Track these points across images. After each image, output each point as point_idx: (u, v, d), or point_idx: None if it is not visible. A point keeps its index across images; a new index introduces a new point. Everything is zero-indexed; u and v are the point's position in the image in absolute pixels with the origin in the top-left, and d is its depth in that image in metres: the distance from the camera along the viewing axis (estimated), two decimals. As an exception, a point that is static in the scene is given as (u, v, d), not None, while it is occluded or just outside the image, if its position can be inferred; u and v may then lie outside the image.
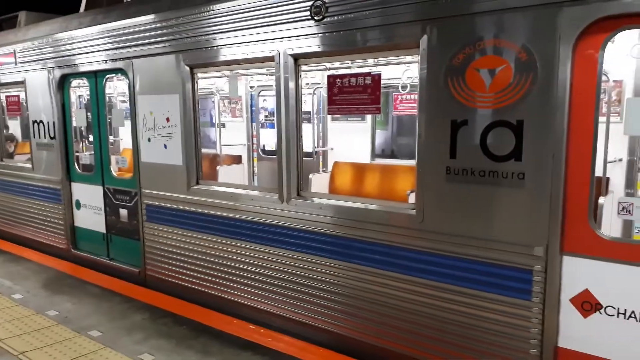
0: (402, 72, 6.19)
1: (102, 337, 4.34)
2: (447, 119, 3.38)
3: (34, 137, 7.21)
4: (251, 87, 8.78)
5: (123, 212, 6.18)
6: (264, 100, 9.24)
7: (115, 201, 6.26)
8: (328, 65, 5.50)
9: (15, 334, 4.39)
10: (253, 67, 5.08)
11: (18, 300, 5.24)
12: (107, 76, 6.18)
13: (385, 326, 3.90)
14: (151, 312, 4.89)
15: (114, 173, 6.31)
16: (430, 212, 3.56)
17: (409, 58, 5.02)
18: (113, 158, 6.43)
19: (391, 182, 6.77)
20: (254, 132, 9.25)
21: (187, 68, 5.06)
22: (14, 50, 7.31)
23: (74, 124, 6.80)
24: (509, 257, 3.26)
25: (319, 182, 7.16)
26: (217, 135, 8.89)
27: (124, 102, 9.00)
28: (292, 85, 4.31)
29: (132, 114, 5.70)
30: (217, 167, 7.88)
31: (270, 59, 4.40)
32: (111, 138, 8.18)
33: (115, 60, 5.80)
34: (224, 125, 9.13)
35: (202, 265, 5.18)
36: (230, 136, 8.91)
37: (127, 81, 5.74)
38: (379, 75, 3.96)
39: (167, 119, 5.33)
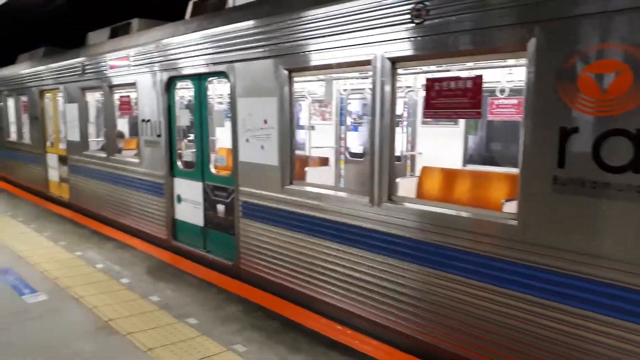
0: (501, 75, 5.96)
1: (199, 326, 4.61)
2: (555, 126, 3.21)
3: (142, 135, 7.81)
4: (343, 91, 8.88)
5: (220, 207, 6.51)
6: (349, 103, 9.32)
7: (213, 197, 6.62)
8: (424, 68, 5.42)
9: (124, 315, 4.78)
10: (349, 70, 5.12)
11: (125, 284, 5.70)
12: (210, 79, 6.55)
13: (473, 337, 3.78)
14: (245, 305, 5.11)
15: (213, 171, 6.66)
16: (534, 223, 3.39)
17: (510, 61, 4.82)
18: (212, 156, 6.80)
19: (483, 189, 6.53)
20: (342, 135, 9.34)
21: (285, 72, 5.24)
22: (128, 54, 7.98)
23: (178, 123, 7.28)
24: (621, 276, 3.02)
25: (406, 187, 7.07)
26: (306, 138, 9.09)
27: (220, 104, 9.47)
28: (387, 88, 4.31)
29: (233, 116, 5.99)
30: (306, 169, 8.07)
31: (367, 62, 4.43)
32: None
33: (218, 64, 6.13)
34: (313, 128, 9.32)
35: (293, 263, 5.33)
36: (318, 139, 9.08)
37: (229, 84, 6.05)
38: (480, 78, 3.85)
39: (265, 121, 5.54)
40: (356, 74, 7.18)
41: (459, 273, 3.85)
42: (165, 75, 7.15)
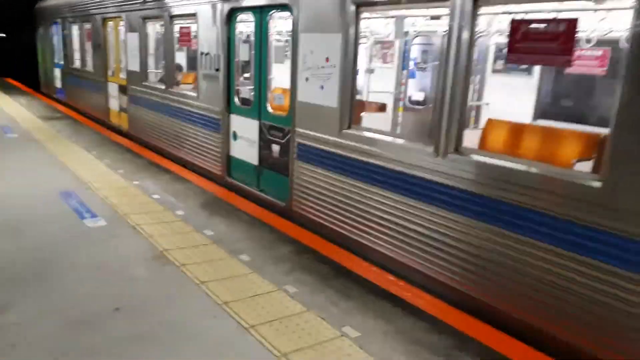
0: (590, 22, 5.37)
1: (251, 263, 4.63)
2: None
3: (201, 68, 7.72)
4: (408, 32, 8.37)
5: (275, 147, 6.42)
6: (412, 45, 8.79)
7: (269, 136, 6.52)
8: (505, 9, 4.94)
9: (179, 247, 4.87)
10: (421, 7, 4.73)
11: (180, 216, 5.80)
12: (272, 12, 6.27)
13: (535, 302, 3.58)
14: (296, 246, 5.09)
15: (270, 110, 6.52)
16: (625, 187, 3.07)
17: (610, 3, 4.29)
18: (270, 95, 6.64)
19: (553, 147, 6.09)
20: (403, 80, 8.91)
21: (353, 7, 4.90)
22: (190, -16, 7.76)
23: (237, 58, 7.11)
24: None
25: (467, 139, 6.69)
26: (364, 81, 8.73)
27: (279, 42, 9.19)
28: (465, 30, 3.93)
29: (293, 53, 5.75)
30: (362, 114, 7.79)
31: (445, -1, 4.04)
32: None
33: (282, -4, 5.84)
34: (372, 71, 8.92)
35: (346, 209, 5.21)
36: (376, 83, 8.70)
37: (291, 18, 5.77)
38: (575, 22, 3.42)
39: (327, 59, 5.28)
40: (424, 14, 6.74)
41: (530, 235, 3.61)
42: (226, 7, 6.92)
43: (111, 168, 7.79)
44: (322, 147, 5.47)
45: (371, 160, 4.88)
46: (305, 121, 5.71)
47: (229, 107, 7.25)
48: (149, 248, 4.81)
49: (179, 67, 10.62)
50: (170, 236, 5.12)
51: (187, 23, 8.45)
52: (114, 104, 11.57)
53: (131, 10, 9.91)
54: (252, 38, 7.35)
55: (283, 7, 5.99)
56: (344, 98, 5.15)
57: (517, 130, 6.55)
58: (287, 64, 7.56)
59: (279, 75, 8.52)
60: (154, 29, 10.07)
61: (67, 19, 14.37)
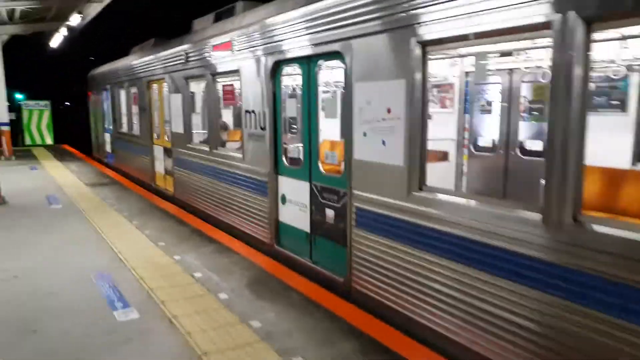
0: None
1: (308, 368, 3.68)
2: None
3: (246, 127, 7.09)
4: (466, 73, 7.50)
5: (329, 212, 5.56)
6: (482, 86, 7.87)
7: (322, 200, 5.68)
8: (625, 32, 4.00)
9: (221, 349, 3.99)
10: (510, 40, 3.86)
11: (224, 301, 4.96)
12: (321, 62, 5.58)
13: None
14: (360, 342, 4.10)
15: (322, 169, 5.71)
16: None
17: None
18: (322, 153, 5.87)
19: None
20: (466, 125, 7.94)
21: (419, 47, 4.09)
22: (231, 39, 7.28)
23: (285, 114, 6.43)
24: None
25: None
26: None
27: (326, 92, 8.55)
28: (578, 61, 3.00)
29: (346, 104, 4.98)
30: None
31: (544, 26, 3.15)
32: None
33: (331, 42, 5.14)
34: (430, 117, 8.00)
35: (422, 291, 4.21)
36: (435, 129, 7.75)
37: (344, 66, 5.04)
38: None
39: (389, 110, 4.45)
40: (501, 49, 5.85)
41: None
42: (270, 60, 6.32)
43: (152, 240, 7.15)
44: (387, 212, 4.56)
45: (451, 230, 3.91)
46: (365, 182, 4.84)
47: (277, 168, 6.51)
48: (185, 351, 3.95)
49: (224, 126, 10.13)
50: (211, 331, 4.26)
51: (230, 80, 7.97)
52: (160, 167, 11.19)
53: (173, 71, 9.61)
54: (299, 92, 6.72)
55: (334, 56, 5.28)
56: (412, 155, 4.27)
57: (614, 177, 5.43)
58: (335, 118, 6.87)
59: (331, 131, 7.82)
60: (198, 88, 9.72)
61: (115, 84, 14.49)
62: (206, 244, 7.00)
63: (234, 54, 7.22)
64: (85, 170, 15.08)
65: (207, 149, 8.50)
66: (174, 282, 5.46)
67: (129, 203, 9.91)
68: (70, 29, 15.59)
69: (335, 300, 5.02)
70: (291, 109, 6.34)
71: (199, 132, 9.82)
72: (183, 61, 9.07)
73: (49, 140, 23.43)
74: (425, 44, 4.06)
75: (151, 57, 10.96)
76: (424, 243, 4.19)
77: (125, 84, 13.38)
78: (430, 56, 4.19)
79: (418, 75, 4.15)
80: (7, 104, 17.93)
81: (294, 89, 8.66)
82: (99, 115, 17.35)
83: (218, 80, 8.19)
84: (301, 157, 6.11)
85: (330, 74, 7.66)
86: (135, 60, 12.29)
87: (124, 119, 14.14)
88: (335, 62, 5.74)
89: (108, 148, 16.40)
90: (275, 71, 6.34)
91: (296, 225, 6.22)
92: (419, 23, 4.03)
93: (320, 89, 7.25)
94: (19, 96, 28.08)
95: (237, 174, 7.45)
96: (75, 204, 9.66)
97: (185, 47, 9.00)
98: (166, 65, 9.99)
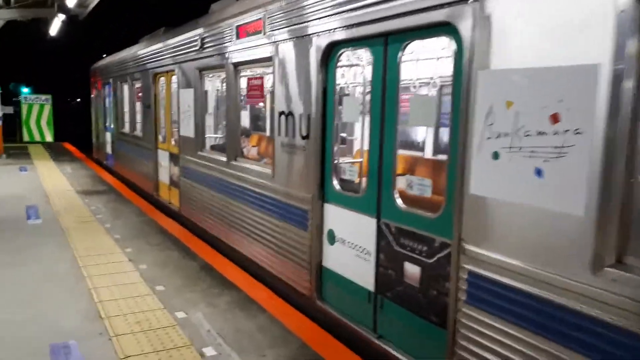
0: None
1: None
2: None
3: (279, 135, 5.25)
4: None
5: (412, 269, 3.69)
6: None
7: (398, 247, 3.81)
8: None
9: None
10: None
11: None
12: (410, 41, 3.71)
13: None
14: None
15: (399, 201, 3.84)
16: None
17: None
18: (403, 178, 4.01)
19: None
20: None
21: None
22: (263, 17, 5.45)
23: (340, 118, 4.58)
24: None
25: None
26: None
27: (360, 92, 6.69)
28: None
29: (459, 106, 3.12)
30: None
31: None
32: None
33: (433, 8, 3.28)
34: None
35: None
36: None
37: (454, 47, 3.19)
38: None
39: (554, 118, 2.58)
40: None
41: None
42: (322, 41, 4.48)
43: (148, 281, 5.31)
44: (539, 293, 2.68)
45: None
46: (490, 234, 2.97)
47: (323, 192, 4.67)
48: None
49: (246, 133, 8.27)
50: None
51: (258, 72, 6.15)
52: (164, 176, 9.36)
53: (185, 61, 7.80)
54: (360, 88, 4.91)
55: (433, 30, 3.42)
56: (605, 197, 2.39)
57: None
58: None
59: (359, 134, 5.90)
60: (213, 83, 7.92)
61: (117, 77, 12.72)
62: (221, 291, 5.13)
63: (266, 36, 5.39)
64: (81, 173, 13.29)
65: (223, 159, 6.66)
66: (174, 365, 3.61)
67: (125, 219, 8.08)
68: (70, 15, 13.86)
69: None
70: (351, 111, 4.47)
71: (213, 136, 8.00)
72: (197, 49, 7.25)
73: (49, 138, 21.66)
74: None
75: (159, 45, 9.16)
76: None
77: (128, 77, 11.59)
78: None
79: (616, 55, 2.29)
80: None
81: (348, 85, 6.68)
82: (100, 112, 15.60)
83: (241, 72, 6.37)
84: (363, 179, 4.26)
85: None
86: (141, 50, 10.51)
87: (126, 117, 12.34)
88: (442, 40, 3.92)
89: (108, 149, 14.62)
90: (328, 58, 4.50)
91: (351, 278, 4.36)
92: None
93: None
94: (25, 90, 26.45)
95: (264, 195, 5.59)
96: (59, 220, 7.84)
97: (200, 30, 7.19)
98: (176, 54, 8.18)
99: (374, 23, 3.86)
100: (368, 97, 4.12)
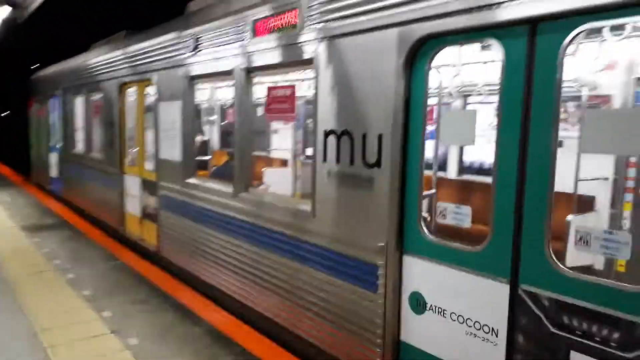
0: None
1: None
2: None
3: (323, 162, 3.94)
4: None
5: (590, 366, 2.48)
6: None
7: (555, 329, 2.60)
8: None
9: None
10: None
11: None
12: (581, 29, 2.54)
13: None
14: None
15: (555, 261, 2.63)
16: None
17: None
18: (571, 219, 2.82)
19: None
20: None
21: None
22: (299, 7, 4.16)
23: (441, 142, 3.34)
24: None
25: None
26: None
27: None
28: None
29: None
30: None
31: None
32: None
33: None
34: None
35: None
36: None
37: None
38: None
39: None
40: None
41: None
42: (407, 32, 3.25)
43: (145, 365, 3.80)
44: None
45: None
46: None
47: (402, 241, 3.41)
48: None
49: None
50: None
51: (285, 79, 4.84)
52: (133, 206, 7.73)
53: (168, 67, 6.32)
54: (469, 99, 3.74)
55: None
56: None
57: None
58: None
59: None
60: (206, 93, 6.50)
61: (68, 88, 10.88)
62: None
63: (305, 30, 4.10)
64: (21, 202, 11.26)
65: (228, 190, 5.24)
66: None
67: (91, 266, 6.40)
68: (15, 5, 11.85)
69: None
70: (466, 129, 3.20)
71: (204, 160, 6.55)
72: (189, 52, 5.82)
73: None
74: None
75: (130, 49, 7.60)
76: None
77: (83, 88, 9.84)
78: None
79: None
80: None
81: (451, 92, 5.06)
82: (43, 130, 13.52)
83: (258, 77, 5.02)
84: (490, 224, 3.03)
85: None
86: (101, 56, 8.86)
87: (80, 136, 10.51)
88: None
89: (54, 172, 12.59)
90: (414, 57, 3.27)
91: (457, 362, 3.11)
92: None
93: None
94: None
95: (300, 239, 4.24)
96: (2, 270, 6.07)
97: (193, 29, 5.77)
98: (155, 59, 6.69)
99: (510, 9, 2.68)
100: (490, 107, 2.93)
